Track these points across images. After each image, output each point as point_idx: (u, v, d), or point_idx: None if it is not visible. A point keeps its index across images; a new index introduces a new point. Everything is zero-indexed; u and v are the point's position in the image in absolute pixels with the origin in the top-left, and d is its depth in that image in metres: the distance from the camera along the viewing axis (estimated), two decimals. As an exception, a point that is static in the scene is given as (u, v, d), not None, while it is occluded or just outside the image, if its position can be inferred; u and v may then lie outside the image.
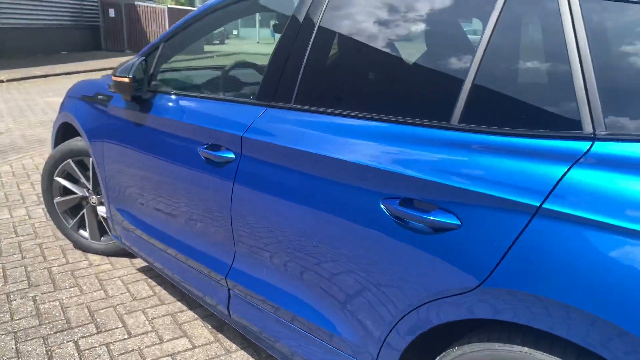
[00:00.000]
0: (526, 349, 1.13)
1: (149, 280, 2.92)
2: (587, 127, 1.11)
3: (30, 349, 2.25)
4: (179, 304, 2.67)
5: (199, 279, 2.15)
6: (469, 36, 1.53)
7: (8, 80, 11.97)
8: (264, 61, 2.02)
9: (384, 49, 1.59)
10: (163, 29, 22.44)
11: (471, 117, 1.28)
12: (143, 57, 2.35)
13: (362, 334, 1.50)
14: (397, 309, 1.36)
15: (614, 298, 0.97)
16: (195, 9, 27.12)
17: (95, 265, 3.07)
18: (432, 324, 1.29)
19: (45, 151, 5.75)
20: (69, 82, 12.50)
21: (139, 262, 3.12)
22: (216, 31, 2.25)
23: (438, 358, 1.33)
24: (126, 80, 2.26)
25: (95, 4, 22.01)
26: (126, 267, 3.06)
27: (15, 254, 3.19)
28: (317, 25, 1.72)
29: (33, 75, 12.86)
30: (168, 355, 2.24)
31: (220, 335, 2.40)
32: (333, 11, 1.70)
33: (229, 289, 1.99)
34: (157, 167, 2.24)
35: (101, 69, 15.14)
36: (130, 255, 3.15)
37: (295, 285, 1.70)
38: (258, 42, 26.34)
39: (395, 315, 1.37)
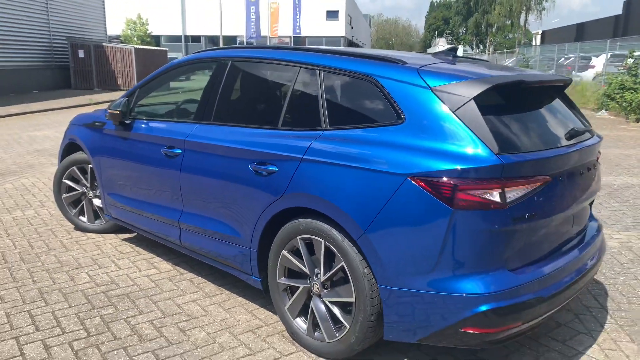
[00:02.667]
0: (311, 220, 2.68)
1: (130, 243, 4.37)
2: (323, 125, 2.71)
3: (58, 276, 3.68)
4: (151, 254, 4.13)
5: (162, 226, 3.65)
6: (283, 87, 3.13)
7: (-11, 118, 13.20)
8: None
9: (252, 94, 3.19)
10: (130, 68, 23.91)
11: (285, 124, 2.88)
12: (126, 97, 3.89)
13: (245, 231, 3.02)
14: (258, 213, 2.90)
15: (336, 194, 2.52)
16: (160, 48, 28.38)
17: (92, 238, 4.51)
18: (272, 214, 2.83)
19: (35, 173, 7.13)
20: (45, 118, 13.82)
21: (122, 235, 4.56)
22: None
23: (281, 229, 2.84)
24: (117, 112, 3.79)
25: (65, 45, 23.36)
26: (113, 238, 4.51)
27: (34, 235, 4.60)
28: (223, 78, 3.31)
29: (11, 113, 14.11)
30: (145, 276, 3.70)
31: (178, 268, 3.87)
32: (231, 73, 3.30)
33: (180, 228, 3.50)
34: (135, 163, 3.76)
35: (73, 106, 16.45)
36: (115, 232, 4.59)
37: (212, 215, 3.23)
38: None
39: (257, 215, 2.91)
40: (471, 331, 2.26)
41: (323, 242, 2.62)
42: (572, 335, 3.02)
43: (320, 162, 2.61)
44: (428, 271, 2.29)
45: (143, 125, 3.79)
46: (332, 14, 57.19)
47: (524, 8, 57.48)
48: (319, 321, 2.73)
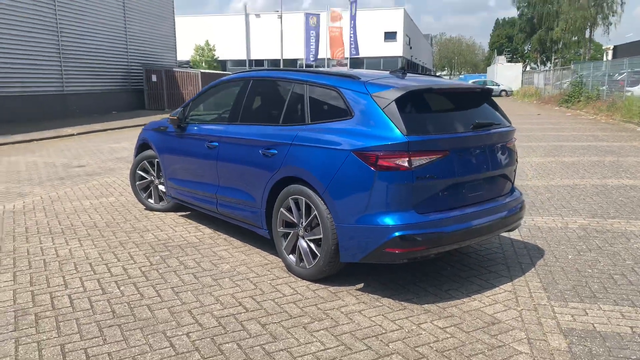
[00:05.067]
0: (297, 185, 3.95)
1: (185, 217, 5.81)
2: (306, 121, 3.99)
3: (132, 235, 5.14)
4: (198, 223, 5.53)
5: (205, 199, 5.04)
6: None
7: (78, 134, 15.51)
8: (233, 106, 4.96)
9: (264, 102, 4.54)
10: (197, 90, 26.31)
11: (284, 121, 4.18)
12: (182, 108, 5.36)
13: (257, 196, 4.32)
14: (264, 182, 4.20)
15: (311, 165, 3.77)
16: (223, 72, 30.84)
17: (157, 215, 5.99)
18: (273, 182, 4.12)
19: (115, 174, 8.85)
20: (122, 134, 15.96)
21: (181, 213, 6.01)
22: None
23: (280, 194, 4.11)
24: (175, 118, 5.26)
25: (140, 70, 26.16)
26: (173, 215, 5.97)
27: (115, 212, 6.14)
28: (247, 92, 4.68)
29: (95, 130, 16.42)
30: (193, 236, 5.09)
31: (217, 231, 5.24)
32: (252, 88, 4.67)
33: (217, 199, 4.87)
34: (187, 155, 5.20)
35: (145, 123, 18.68)
36: (175, 210, 6.05)
37: (237, 187, 4.56)
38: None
39: (264, 184, 4.20)
40: (391, 251, 3.43)
41: (304, 199, 3.88)
42: (496, 270, 4.07)
43: (302, 145, 3.89)
44: (363, 211, 3.49)
45: (194, 128, 5.23)
46: (390, 35, 58.51)
47: (588, 24, 56.26)
48: (302, 255, 3.97)
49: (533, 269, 4.23)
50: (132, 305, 3.52)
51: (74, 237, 5.11)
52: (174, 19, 30.01)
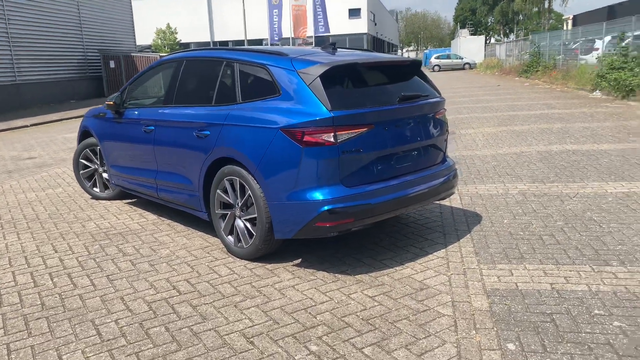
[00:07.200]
0: (230, 165, 3.94)
1: (130, 205, 5.74)
2: (237, 100, 3.97)
3: (74, 225, 5.07)
4: (143, 210, 5.48)
5: (146, 185, 4.99)
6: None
7: (32, 125, 15.07)
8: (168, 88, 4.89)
9: (197, 82, 4.49)
10: (157, 75, 25.73)
11: (216, 102, 4.15)
12: (120, 92, 5.25)
13: (194, 179, 4.30)
14: (200, 165, 4.17)
15: (242, 145, 3.76)
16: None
17: (103, 203, 5.91)
18: (208, 164, 4.09)
19: (67, 165, 8.67)
20: (78, 123, 15.48)
21: (127, 200, 5.94)
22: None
23: (215, 176, 4.10)
24: (112, 102, 5.16)
25: (98, 57, 25.42)
26: (118, 202, 5.89)
27: (60, 203, 6.03)
28: (180, 73, 4.61)
29: (50, 120, 15.96)
30: (136, 223, 5.04)
31: (161, 217, 5.20)
32: (185, 69, 4.60)
33: (157, 185, 4.82)
34: (127, 141, 5.11)
35: (104, 111, 18.23)
36: (121, 197, 5.97)
37: (175, 171, 4.52)
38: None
39: (200, 166, 4.18)
40: (322, 225, 3.47)
41: (238, 179, 3.88)
42: (433, 238, 4.17)
43: (233, 125, 3.87)
44: (292, 188, 3.51)
45: (131, 112, 5.14)
46: (354, 12, 58.12)
47: (547, -6, 56.90)
48: (240, 235, 3.98)
49: (468, 235, 4.35)
50: (63, 297, 3.48)
51: (13, 230, 5.01)
52: (130, 2, 29.14)
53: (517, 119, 11.40)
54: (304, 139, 3.43)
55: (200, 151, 4.16)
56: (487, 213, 4.91)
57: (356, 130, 3.50)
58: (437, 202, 4.61)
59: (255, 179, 3.72)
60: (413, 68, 4.19)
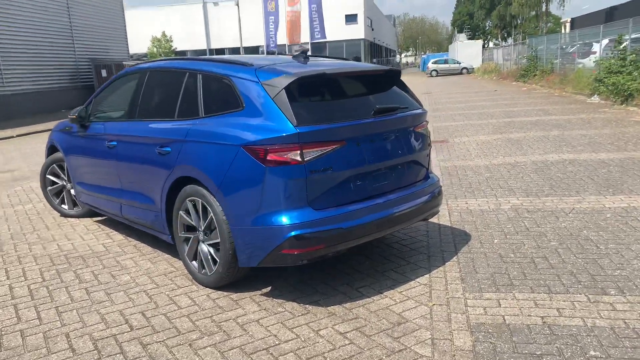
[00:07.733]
0: (192, 185, 3.61)
1: (98, 223, 5.41)
2: (200, 114, 3.64)
3: (34, 247, 4.73)
4: (111, 229, 5.15)
5: (110, 203, 4.65)
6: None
7: (18, 135, 14.75)
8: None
9: (160, 95, 4.16)
10: (150, 83, 25.45)
11: (178, 116, 3.82)
12: (84, 105, 4.92)
13: (156, 199, 3.97)
14: (161, 184, 3.84)
15: (202, 163, 3.43)
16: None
17: (71, 221, 5.57)
18: (170, 183, 3.76)
19: (45, 177, 8.32)
20: (67, 133, 15.21)
21: (96, 219, 5.60)
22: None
23: (178, 196, 3.78)
24: (74, 116, 4.83)
25: (89, 66, 25.14)
26: (87, 221, 5.56)
27: (26, 221, 5.69)
28: (143, 85, 4.28)
29: (36, 131, 15.64)
30: (101, 244, 4.71)
31: (129, 238, 4.86)
32: (148, 81, 4.27)
33: (120, 203, 4.49)
34: (91, 157, 4.78)
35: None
36: (91, 215, 5.64)
37: (138, 190, 4.19)
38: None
39: (161, 186, 3.85)
40: (289, 252, 3.13)
41: (200, 200, 3.54)
42: (416, 261, 3.83)
43: (194, 141, 3.54)
44: (255, 211, 3.18)
45: (95, 126, 4.81)
46: (350, 18, 57.94)
47: (544, -3, 56.68)
48: (203, 261, 3.64)
49: (455, 258, 4.01)
50: (2, 332, 3.14)
51: (-31, 253, 4.68)
52: (122, 10, 28.92)
53: (513, 126, 11.07)
54: (268, 158, 3.10)
55: (162, 168, 3.83)
56: (477, 232, 4.57)
57: (325, 148, 3.17)
58: (421, 221, 4.28)
59: (217, 200, 3.39)
60: (391, 78, 3.87)
